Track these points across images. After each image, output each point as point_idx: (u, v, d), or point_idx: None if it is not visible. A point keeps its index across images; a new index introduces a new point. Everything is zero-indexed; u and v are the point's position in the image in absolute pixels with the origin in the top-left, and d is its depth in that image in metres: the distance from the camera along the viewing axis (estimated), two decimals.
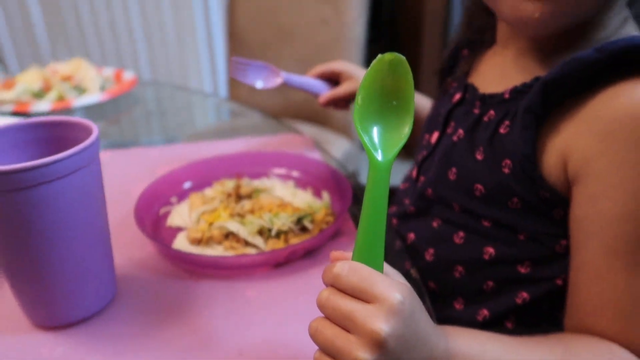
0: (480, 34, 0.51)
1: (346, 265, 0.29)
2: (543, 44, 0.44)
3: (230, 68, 0.62)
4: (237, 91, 1.62)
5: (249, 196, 0.55)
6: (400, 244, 0.52)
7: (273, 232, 0.48)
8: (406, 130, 0.32)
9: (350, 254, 0.31)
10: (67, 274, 0.40)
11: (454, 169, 0.47)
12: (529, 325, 0.46)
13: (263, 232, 0.49)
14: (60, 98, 0.90)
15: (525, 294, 0.43)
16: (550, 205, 0.41)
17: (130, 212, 0.53)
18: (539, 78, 0.40)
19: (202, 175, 0.61)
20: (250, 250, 0.48)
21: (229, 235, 0.49)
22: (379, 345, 0.26)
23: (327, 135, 1.45)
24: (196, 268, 0.47)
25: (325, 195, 0.56)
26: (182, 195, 0.59)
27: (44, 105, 0.87)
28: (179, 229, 0.53)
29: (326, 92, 0.64)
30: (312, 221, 0.50)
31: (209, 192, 0.58)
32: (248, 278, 0.45)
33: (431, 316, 0.31)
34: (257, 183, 0.59)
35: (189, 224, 0.52)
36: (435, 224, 0.49)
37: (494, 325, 0.46)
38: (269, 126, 0.92)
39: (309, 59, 1.49)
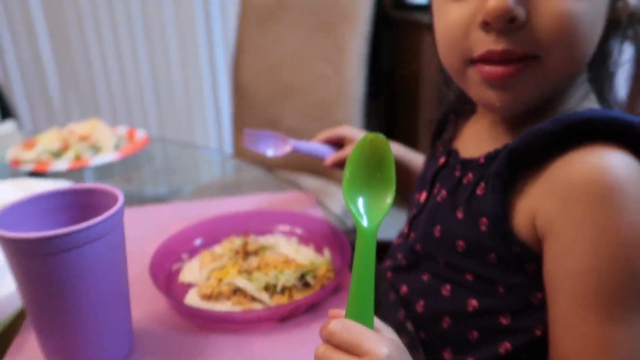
0: (463, 104, 0.57)
1: (339, 323, 0.33)
2: (512, 116, 0.49)
3: (243, 139, 0.68)
4: (241, 145, 1.69)
5: (256, 253, 0.59)
6: (394, 295, 0.56)
7: (278, 288, 0.52)
8: (389, 200, 0.37)
9: (344, 312, 0.36)
10: (90, 329, 0.43)
11: (438, 227, 0.51)
12: None
13: (269, 288, 0.53)
14: (77, 157, 0.96)
15: (507, 344, 0.47)
16: (522, 260, 0.45)
17: (144, 268, 0.57)
18: (507, 145, 0.46)
19: (211, 233, 0.66)
20: (257, 306, 0.52)
21: (237, 290, 0.53)
22: None
23: (329, 188, 1.50)
24: (206, 322, 0.51)
25: (327, 252, 0.60)
26: (192, 252, 0.63)
27: (61, 165, 0.93)
28: (190, 285, 0.57)
29: (331, 155, 0.70)
30: (314, 277, 0.54)
31: (218, 249, 0.62)
32: (255, 332, 0.49)
33: None
34: (263, 240, 0.63)
35: (200, 281, 0.56)
36: (424, 277, 0.53)
37: None
38: (271, 180, 0.97)
39: (311, 113, 1.56)
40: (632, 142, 0.41)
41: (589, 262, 0.39)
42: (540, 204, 0.43)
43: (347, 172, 0.37)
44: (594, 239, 0.39)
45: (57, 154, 0.97)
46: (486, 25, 0.42)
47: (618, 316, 0.39)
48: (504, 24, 0.41)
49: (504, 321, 0.47)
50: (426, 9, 0.51)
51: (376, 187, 0.38)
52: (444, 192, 0.52)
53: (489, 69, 0.43)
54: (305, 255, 0.59)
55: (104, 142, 1.00)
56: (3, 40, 2.41)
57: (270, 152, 0.67)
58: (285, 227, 0.67)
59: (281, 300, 0.51)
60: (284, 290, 0.52)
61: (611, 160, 0.40)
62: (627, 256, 0.39)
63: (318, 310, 0.52)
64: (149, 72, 2.46)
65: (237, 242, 0.61)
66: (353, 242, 0.59)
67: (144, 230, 0.72)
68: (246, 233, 0.65)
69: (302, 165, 1.58)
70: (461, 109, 0.59)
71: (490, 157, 0.48)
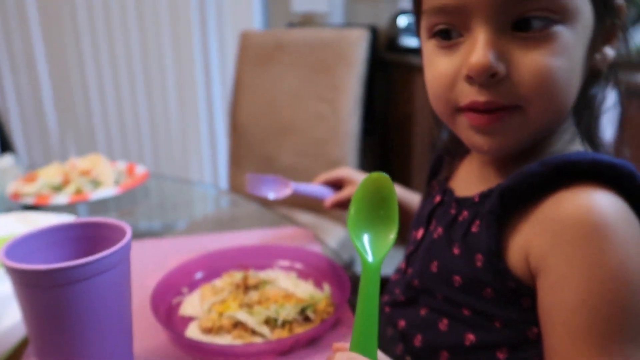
0: (456, 146, 0.60)
1: (344, 355, 0.34)
2: (503, 157, 0.52)
3: (245, 183, 0.71)
4: (237, 181, 1.70)
5: (256, 287, 0.60)
6: (392, 330, 0.56)
7: (279, 322, 0.53)
8: (392, 236, 0.39)
9: (348, 345, 0.37)
10: (94, 358, 0.44)
11: (435, 262, 0.53)
12: None
13: (269, 322, 0.53)
14: (78, 191, 0.98)
15: None
16: (518, 295, 0.46)
17: (145, 301, 0.58)
18: (500, 185, 0.48)
19: (211, 267, 0.67)
20: (258, 339, 0.52)
21: (237, 324, 0.54)
22: None
23: (324, 224, 1.51)
24: (207, 356, 0.51)
25: (326, 286, 0.61)
26: (192, 286, 0.64)
27: (62, 199, 0.94)
28: (191, 318, 0.58)
29: (331, 196, 0.72)
30: (315, 311, 0.55)
31: (218, 283, 0.63)
32: None
33: None
34: (263, 274, 0.64)
35: (201, 314, 0.57)
36: (422, 312, 0.54)
37: None
38: (266, 216, 0.99)
39: (307, 151, 1.59)
40: (616, 182, 0.44)
41: (580, 296, 0.41)
42: (532, 240, 0.45)
43: (352, 209, 0.39)
44: (584, 275, 0.41)
45: (58, 188, 0.98)
46: (470, 79, 0.45)
47: (611, 349, 0.40)
48: (486, 78, 0.44)
49: (501, 355, 0.48)
50: (418, 52, 0.54)
51: (380, 224, 0.39)
52: (440, 229, 0.54)
53: (474, 116, 0.46)
54: (305, 290, 0.60)
55: (104, 176, 1.02)
56: (2, 75, 2.45)
57: (272, 195, 0.70)
58: (284, 262, 0.68)
59: (282, 334, 0.52)
60: (284, 324, 0.53)
61: (598, 200, 0.42)
62: (617, 290, 0.40)
63: (318, 344, 0.52)
64: (146, 108, 2.50)
65: (237, 276, 0.62)
66: (351, 277, 0.61)
67: (143, 264, 0.72)
68: (246, 267, 0.66)
69: (296, 202, 1.60)
70: (455, 150, 0.61)
71: (484, 196, 0.50)
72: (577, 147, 0.50)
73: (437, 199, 0.58)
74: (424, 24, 0.49)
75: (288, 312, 0.53)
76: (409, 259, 0.59)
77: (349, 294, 0.56)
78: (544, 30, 0.43)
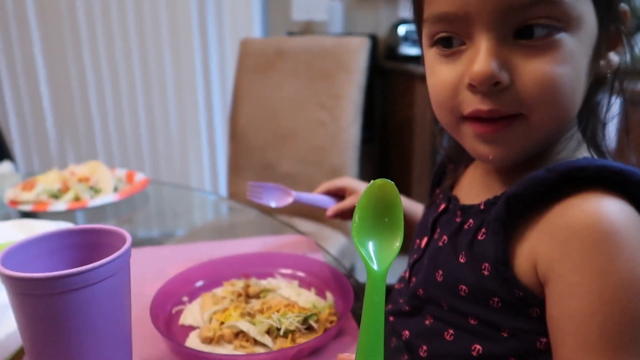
0: (460, 154, 0.59)
1: None
2: (509, 165, 0.51)
3: (247, 191, 0.70)
4: (237, 189, 1.70)
5: (258, 296, 0.59)
6: (396, 340, 0.55)
7: (281, 332, 0.52)
8: (397, 244, 0.38)
9: (353, 356, 0.36)
10: None
11: (440, 271, 0.52)
12: None
13: (271, 332, 0.52)
14: (77, 198, 0.96)
15: None
16: (526, 305, 0.45)
17: (143, 309, 0.57)
18: (506, 192, 0.47)
19: (212, 275, 0.66)
20: (259, 350, 0.51)
21: (239, 334, 0.53)
22: None
23: (324, 231, 1.50)
24: None
25: (329, 295, 0.60)
26: (193, 294, 0.63)
27: (60, 206, 0.93)
28: (191, 328, 0.56)
29: (333, 206, 0.71)
30: (318, 320, 0.54)
31: (219, 291, 0.62)
32: None
33: None
34: (265, 283, 0.63)
35: (201, 323, 0.56)
36: (427, 322, 0.53)
37: None
38: (266, 223, 0.98)
39: (307, 158, 1.58)
40: (623, 188, 0.43)
41: (591, 305, 0.40)
42: (540, 248, 0.44)
43: (356, 217, 0.38)
44: (595, 283, 0.40)
45: (57, 195, 0.97)
46: (472, 88, 0.45)
47: (622, 358, 0.39)
48: (489, 87, 0.43)
49: None
50: (418, 60, 0.53)
51: (384, 231, 0.39)
52: (445, 238, 0.53)
53: (478, 125, 0.46)
54: (307, 299, 0.59)
55: (103, 183, 1.01)
56: (1, 82, 2.44)
57: (273, 204, 0.70)
58: (286, 270, 0.67)
59: (284, 344, 0.51)
60: (287, 333, 0.52)
61: (606, 207, 0.42)
62: (628, 299, 0.39)
63: (321, 354, 0.51)
64: (146, 116, 2.49)
65: (238, 284, 0.61)
66: (354, 286, 0.60)
67: (142, 272, 0.71)
68: (247, 276, 0.65)
69: (296, 210, 1.59)
70: (458, 158, 0.60)
71: (490, 203, 0.49)
72: (583, 153, 0.50)
73: (442, 207, 0.57)
74: (425, 32, 0.49)
75: (291, 321, 0.52)
76: (412, 267, 0.58)
77: (353, 302, 0.55)
78: (547, 38, 0.42)
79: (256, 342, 0.52)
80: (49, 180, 1.00)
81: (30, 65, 2.42)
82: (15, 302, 0.41)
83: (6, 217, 0.99)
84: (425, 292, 0.53)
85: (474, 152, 0.49)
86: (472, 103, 0.45)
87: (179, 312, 0.59)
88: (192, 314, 0.58)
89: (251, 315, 0.55)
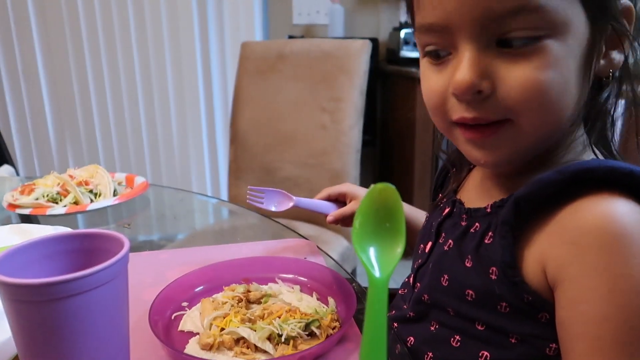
0: (462, 157, 0.58)
1: None
2: (515, 167, 0.50)
3: (247, 195, 0.70)
4: (237, 192, 1.69)
5: (259, 301, 0.58)
6: (401, 347, 0.54)
7: (283, 338, 0.50)
8: (399, 250, 0.37)
9: None
10: None
11: (445, 276, 0.51)
12: None
13: (273, 338, 0.51)
14: (76, 202, 0.95)
15: None
16: (535, 310, 0.44)
17: (142, 315, 0.55)
18: (513, 194, 0.46)
19: (212, 280, 0.64)
20: (260, 356, 0.50)
21: (239, 340, 0.52)
22: None
23: (325, 236, 1.49)
24: None
25: (331, 300, 0.59)
26: (193, 299, 0.62)
27: (59, 209, 0.92)
28: (190, 334, 0.55)
29: (334, 212, 0.71)
30: (320, 327, 0.52)
31: (219, 297, 0.60)
32: None
33: None
34: (266, 288, 0.62)
35: (201, 329, 0.55)
36: (432, 328, 0.52)
37: None
38: (266, 227, 0.97)
39: (308, 162, 1.58)
40: (633, 189, 0.42)
41: (604, 309, 0.39)
42: (549, 251, 0.43)
43: (356, 222, 0.37)
44: (608, 287, 0.39)
45: (56, 199, 0.96)
46: (456, 96, 0.45)
47: None
48: (471, 96, 0.44)
49: None
50: (418, 63, 0.54)
51: (386, 237, 0.38)
52: (450, 242, 0.52)
53: (466, 131, 0.47)
54: (309, 304, 0.58)
55: (103, 187, 1.00)
56: (1, 86, 2.44)
57: (273, 208, 0.69)
58: (287, 275, 0.66)
59: (286, 350, 0.50)
60: (288, 340, 0.51)
61: (617, 208, 0.41)
62: None
63: None
64: (147, 119, 2.49)
65: (239, 289, 0.60)
66: (357, 291, 0.59)
67: (141, 277, 0.70)
68: (248, 281, 0.64)
69: (296, 214, 1.58)
70: (460, 161, 0.60)
71: (497, 206, 0.48)
72: (590, 155, 0.49)
73: (446, 210, 0.56)
74: (417, 41, 0.50)
75: (292, 327, 0.51)
76: (417, 273, 0.57)
77: (355, 308, 0.54)
78: (530, 45, 0.42)
79: (257, 349, 0.51)
80: (48, 184, 0.99)
81: (31, 70, 2.42)
82: (10, 309, 0.40)
83: (5, 221, 0.98)
84: (431, 297, 0.52)
85: (468, 156, 0.49)
86: (458, 111, 0.46)
87: (179, 318, 0.58)
88: (192, 319, 0.57)
89: (252, 321, 0.54)
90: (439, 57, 0.47)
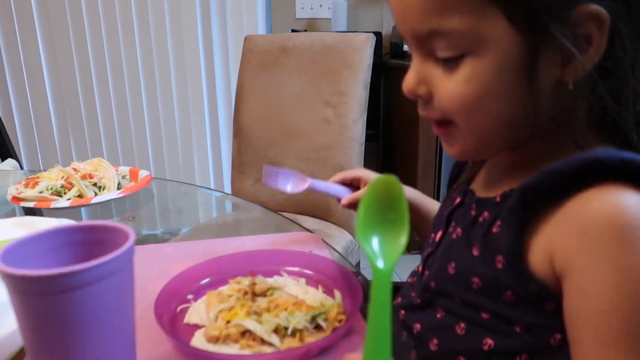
0: None
1: None
2: (524, 158, 0.50)
3: (263, 175, 0.70)
4: (240, 186, 1.68)
5: (264, 294, 0.58)
6: (407, 335, 0.54)
7: (289, 331, 0.50)
8: (403, 240, 0.37)
9: (360, 356, 0.34)
10: None
11: (452, 264, 0.51)
12: None
13: (279, 330, 0.51)
14: (80, 195, 0.95)
15: None
16: (541, 299, 0.44)
17: (147, 308, 0.55)
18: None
19: (217, 273, 0.64)
20: (267, 349, 0.50)
21: (245, 333, 0.51)
22: None
23: (329, 229, 1.49)
24: None
25: (337, 293, 0.59)
26: (198, 292, 0.62)
27: (63, 202, 0.92)
28: (196, 327, 0.55)
29: (347, 195, 0.70)
30: (326, 319, 0.52)
31: (225, 290, 0.60)
32: None
33: None
34: (271, 281, 0.62)
35: (207, 322, 0.55)
36: (439, 315, 0.52)
37: None
38: (270, 220, 0.97)
39: (311, 156, 1.57)
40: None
41: (611, 301, 0.39)
42: (557, 241, 0.42)
43: (360, 213, 0.37)
44: (616, 278, 0.39)
45: (60, 192, 0.96)
46: None
47: None
48: (414, 98, 0.49)
49: None
50: None
51: (389, 228, 0.38)
52: (459, 230, 0.52)
53: (433, 126, 0.51)
54: (315, 297, 0.57)
55: (107, 180, 1.00)
56: (5, 80, 2.44)
57: (288, 188, 0.69)
58: (293, 268, 0.66)
59: (292, 343, 0.50)
60: (294, 332, 0.50)
61: (628, 200, 0.40)
62: None
63: (329, 354, 0.50)
64: (150, 114, 2.48)
65: (244, 282, 0.60)
66: (363, 284, 0.58)
67: (146, 270, 0.70)
68: (253, 273, 0.64)
69: (300, 206, 1.58)
70: None
71: (506, 196, 0.48)
72: (603, 146, 0.48)
73: (457, 200, 0.56)
74: None
75: (299, 320, 0.51)
76: (426, 261, 0.57)
77: (361, 301, 0.54)
78: (453, 62, 0.45)
79: (263, 342, 0.50)
80: (52, 177, 0.98)
81: (34, 64, 2.42)
82: (16, 301, 0.40)
83: (10, 214, 0.98)
84: (437, 284, 0.52)
85: (445, 148, 0.53)
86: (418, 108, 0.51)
87: (184, 311, 0.58)
88: (198, 312, 0.57)
89: (258, 313, 0.53)
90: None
